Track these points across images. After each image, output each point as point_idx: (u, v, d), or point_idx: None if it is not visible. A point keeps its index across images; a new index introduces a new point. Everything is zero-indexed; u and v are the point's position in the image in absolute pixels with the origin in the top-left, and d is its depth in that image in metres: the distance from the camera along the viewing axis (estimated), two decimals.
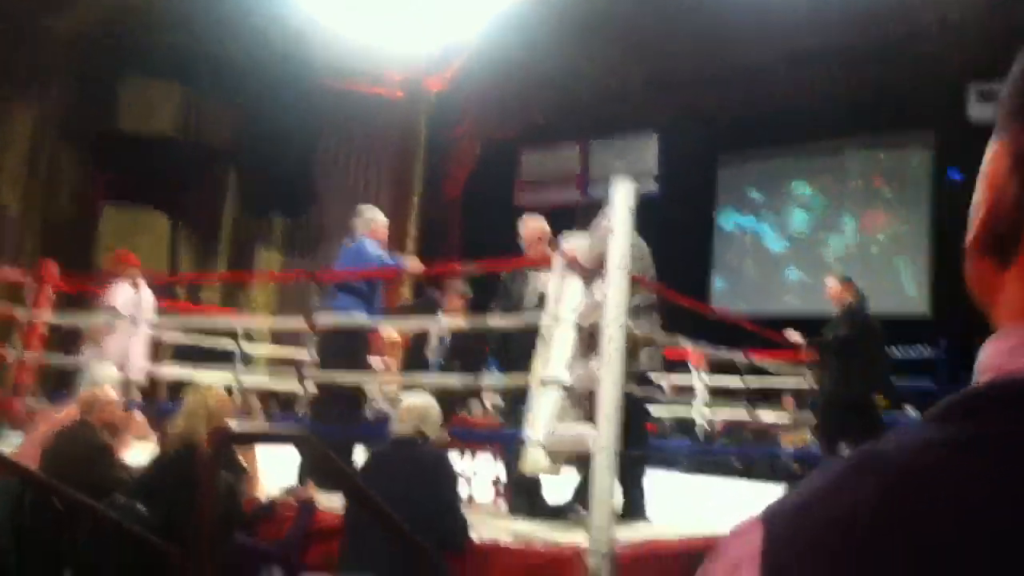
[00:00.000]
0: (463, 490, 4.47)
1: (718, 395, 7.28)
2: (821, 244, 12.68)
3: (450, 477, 3.47)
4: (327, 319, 5.21)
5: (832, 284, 6.44)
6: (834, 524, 0.40)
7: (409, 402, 3.60)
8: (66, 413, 4.45)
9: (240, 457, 3.98)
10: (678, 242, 12.15)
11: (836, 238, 12.61)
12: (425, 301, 5.52)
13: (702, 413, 7.10)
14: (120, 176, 11.79)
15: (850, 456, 0.43)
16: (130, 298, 6.94)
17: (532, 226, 4.88)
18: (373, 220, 5.51)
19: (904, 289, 11.65)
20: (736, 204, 13.48)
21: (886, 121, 11.60)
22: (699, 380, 6.94)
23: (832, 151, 12.73)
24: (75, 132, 11.83)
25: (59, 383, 7.41)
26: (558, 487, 4.22)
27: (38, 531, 3.44)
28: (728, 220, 13.51)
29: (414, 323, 5.44)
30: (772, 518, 0.44)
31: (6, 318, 7.05)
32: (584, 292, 3.99)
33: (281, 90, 11.80)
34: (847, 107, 11.33)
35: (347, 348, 4.92)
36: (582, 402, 3.87)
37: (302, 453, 3.90)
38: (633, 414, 3.67)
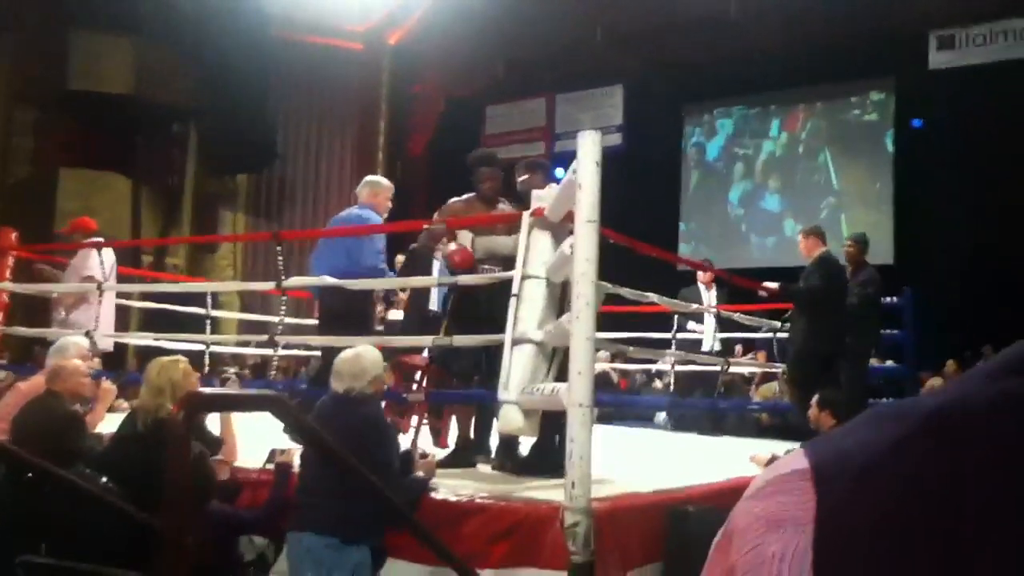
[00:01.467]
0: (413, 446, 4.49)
1: (689, 347, 7.35)
2: (786, 194, 12.77)
3: (384, 436, 3.45)
4: (303, 281, 5.21)
5: (801, 237, 6.49)
6: (914, 501, 0.36)
7: (344, 356, 3.52)
8: (33, 383, 4.39)
9: (218, 426, 3.97)
10: (645, 195, 12.20)
11: (800, 189, 12.70)
12: (418, 256, 5.43)
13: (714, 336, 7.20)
14: (76, 138, 11.48)
15: (905, 411, 0.38)
16: (94, 264, 6.81)
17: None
18: (379, 185, 5.45)
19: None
20: (701, 155, 13.51)
21: (847, 70, 11.63)
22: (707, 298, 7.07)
23: (795, 100, 12.77)
24: (27, 93, 11.49)
25: (24, 354, 7.30)
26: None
27: (12, 504, 3.40)
28: (694, 171, 13.55)
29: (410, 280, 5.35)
30: (825, 479, 0.39)
31: None
32: (552, 247, 3.99)
33: (238, 43, 11.51)
34: (809, 56, 11.35)
35: (349, 311, 4.91)
36: (554, 359, 3.89)
37: (273, 415, 3.89)
38: None
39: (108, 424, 4.32)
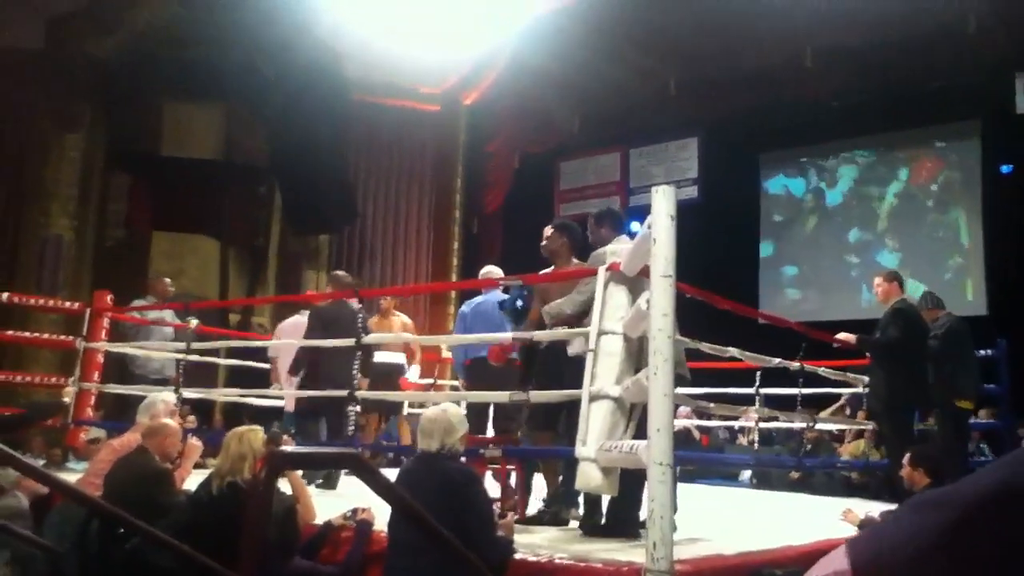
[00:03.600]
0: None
1: (772, 403, 7.17)
2: (871, 246, 12.44)
3: (481, 494, 3.43)
4: (381, 337, 5.34)
5: (879, 282, 6.30)
6: None
7: (431, 414, 3.49)
8: (124, 440, 4.54)
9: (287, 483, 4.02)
10: (724, 247, 12.06)
11: (886, 240, 12.36)
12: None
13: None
14: (167, 201, 12.02)
15: (945, 499, 0.37)
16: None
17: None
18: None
19: (960, 290, 11.38)
20: (781, 205, 13.31)
21: (930, 115, 11.38)
22: None
23: (876, 147, 12.52)
24: (123, 160, 12.09)
25: (118, 411, 7.55)
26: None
27: (103, 559, 3.50)
28: (774, 221, 13.33)
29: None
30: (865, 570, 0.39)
31: (66, 348, 7.22)
32: (628, 302, 3.97)
33: (319, 107, 11.92)
34: (889, 102, 11.15)
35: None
36: (632, 415, 3.84)
37: (354, 474, 3.92)
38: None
39: (195, 482, 4.42)
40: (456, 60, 13.00)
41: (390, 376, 6.93)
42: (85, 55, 11.30)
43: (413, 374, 7.40)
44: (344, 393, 5.50)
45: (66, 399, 6.44)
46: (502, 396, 4.78)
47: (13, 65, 10.82)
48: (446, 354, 8.61)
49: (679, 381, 3.86)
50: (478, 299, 6.14)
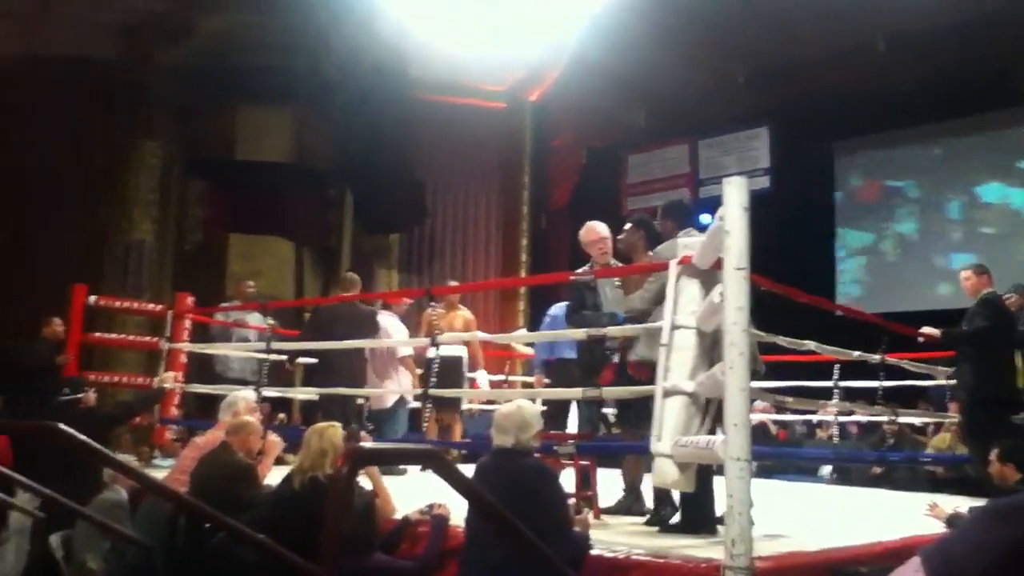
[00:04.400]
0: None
1: (854, 397, 7.00)
2: (949, 232, 12.03)
3: (556, 490, 3.42)
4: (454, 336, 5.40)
5: (968, 275, 6.13)
6: None
7: (506, 410, 3.50)
8: (208, 438, 4.68)
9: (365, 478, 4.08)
10: (797, 237, 11.78)
11: (966, 226, 11.93)
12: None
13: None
14: (242, 204, 12.34)
15: (1018, 509, 0.37)
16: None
17: (587, 229, 5.13)
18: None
19: None
20: (856, 193, 12.95)
21: (1011, 98, 10.92)
22: None
23: (953, 133, 12.08)
24: (200, 165, 12.45)
25: (201, 410, 7.79)
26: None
27: (191, 553, 3.61)
28: (850, 209, 12.98)
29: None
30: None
31: (151, 349, 7.47)
32: (701, 295, 3.92)
33: (387, 108, 12.08)
34: (966, 86, 10.73)
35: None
36: (708, 410, 3.79)
37: (433, 470, 3.97)
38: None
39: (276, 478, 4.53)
40: (520, 57, 12.99)
41: (452, 369, 6.92)
42: (159, 64, 11.65)
43: (482, 379, 7.39)
44: (419, 391, 5.58)
45: (167, 384, 6.66)
46: (575, 393, 4.78)
47: (91, 76, 11.23)
48: (525, 349, 8.63)
49: (753, 376, 3.80)
50: (561, 304, 6.28)
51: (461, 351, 7.26)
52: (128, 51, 11.53)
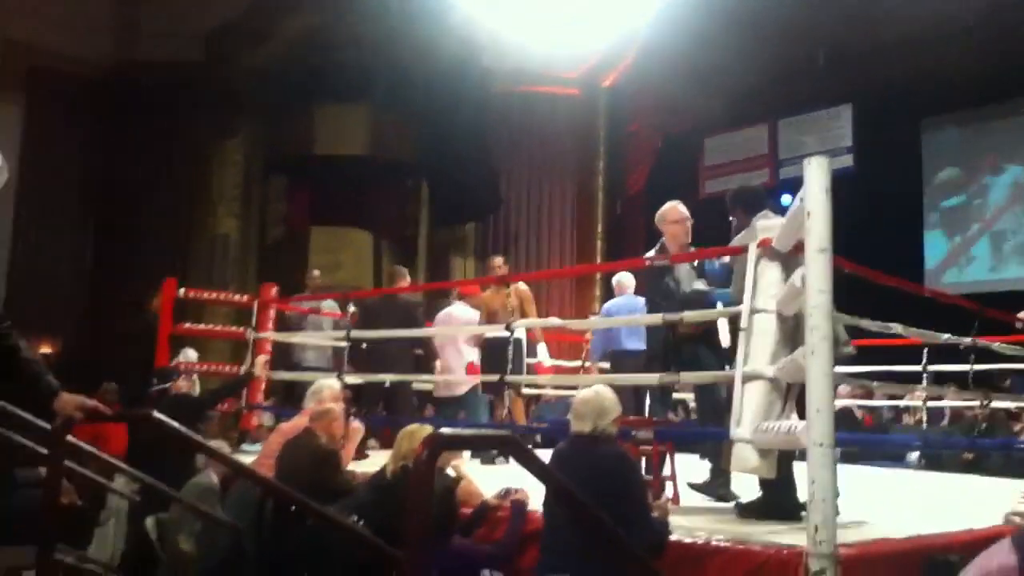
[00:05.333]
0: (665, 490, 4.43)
1: (944, 381, 6.76)
2: None
3: (635, 476, 3.40)
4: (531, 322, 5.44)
5: None
6: None
7: (584, 395, 3.49)
8: (294, 424, 4.80)
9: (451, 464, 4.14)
10: (883, 218, 11.42)
11: None
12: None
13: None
14: (322, 198, 12.62)
15: None
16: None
17: (669, 208, 5.08)
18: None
19: None
20: (946, 170, 12.46)
21: None
22: None
23: None
24: (280, 161, 12.76)
25: (285, 397, 8.00)
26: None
27: (277, 536, 3.73)
28: (939, 188, 12.51)
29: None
30: None
31: (238, 339, 7.70)
32: (782, 279, 3.84)
33: (461, 99, 12.16)
34: None
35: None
36: (789, 395, 3.72)
37: (511, 455, 4.00)
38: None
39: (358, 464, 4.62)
40: (593, 43, 12.90)
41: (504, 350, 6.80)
42: (241, 64, 11.97)
43: (543, 354, 7.27)
44: (496, 377, 5.62)
45: (256, 370, 6.90)
46: (651, 379, 4.74)
47: (177, 77, 11.62)
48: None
49: (842, 358, 3.71)
50: (619, 301, 6.62)
51: (519, 332, 7.19)
52: (212, 55, 11.89)
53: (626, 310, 6.59)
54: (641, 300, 5.97)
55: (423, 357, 7.51)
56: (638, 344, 6.02)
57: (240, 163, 12.26)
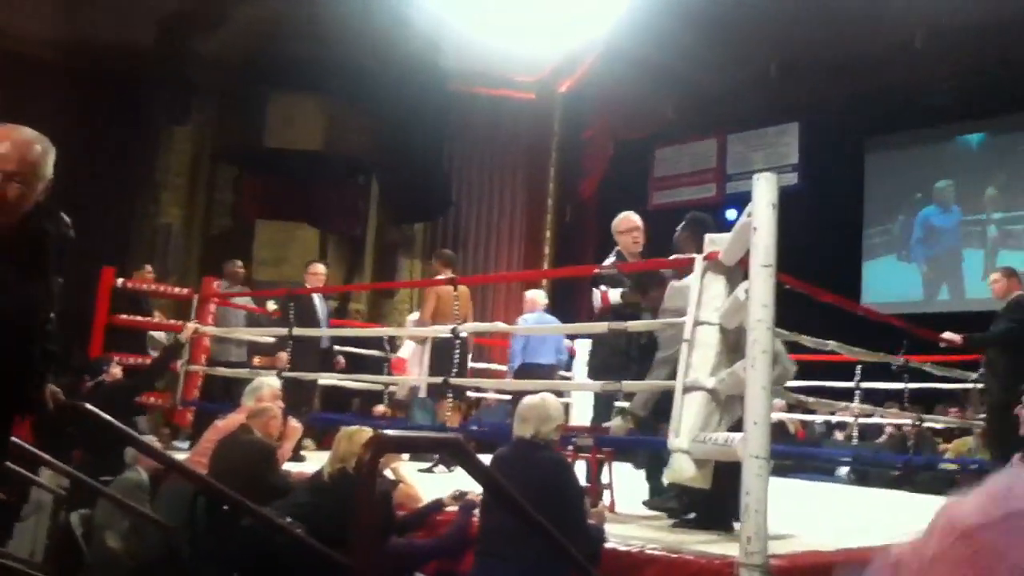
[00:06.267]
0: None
1: (877, 398, 6.95)
2: (980, 234, 11.87)
3: (573, 483, 3.43)
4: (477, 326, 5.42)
5: (996, 278, 6.07)
6: None
7: (530, 401, 3.53)
8: (229, 421, 4.72)
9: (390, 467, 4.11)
10: (825, 236, 11.67)
11: (997, 227, 11.77)
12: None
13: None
14: (271, 191, 12.42)
15: None
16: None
17: (623, 218, 5.14)
18: None
19: None
20: (888, 191, 12.80)
21: None
22: None
23: (988, 131, 11.91)
24: (228, 151, 12.54)
25: (223, 392, 7.85)
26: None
27: (211, 535, 3.66)
28: (880, 209, 12.83)
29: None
30: None
31: (176, 332, 7.53)
32: (726, 292, 3.90)
33: (416, 98, 12.09)
34: (1004, 84, 10.57)
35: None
36: (728, 407, 3.78)
37: (453, 458, 3.99)
38: None
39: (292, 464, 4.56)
40: (551, 48, 12.95)
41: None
42: (193, 52, 11.75)
43: (406, 350, 7.25)
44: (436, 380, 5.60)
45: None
46: (594, 386, 4.78)
47: (126, 63, 11.34)
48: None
49: (784, 377, 3.80)
50: (531, 317, 6.74)
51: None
52: (162, 39, 11.64)
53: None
54: (552, 318, 6.25)
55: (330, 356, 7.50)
56: (550, 359, 6.36)
57: (188, 151, 12.03)
